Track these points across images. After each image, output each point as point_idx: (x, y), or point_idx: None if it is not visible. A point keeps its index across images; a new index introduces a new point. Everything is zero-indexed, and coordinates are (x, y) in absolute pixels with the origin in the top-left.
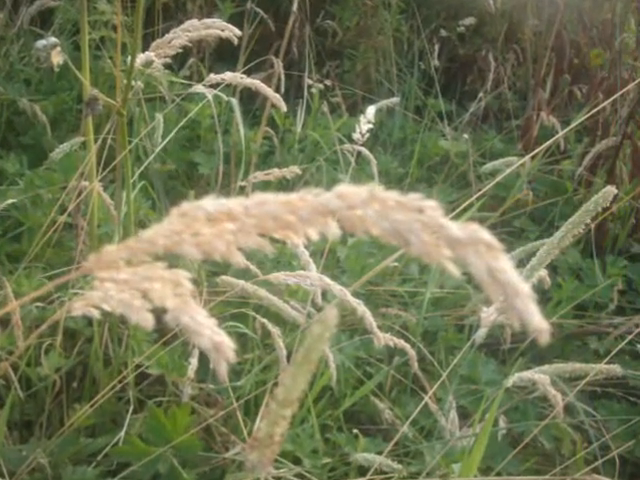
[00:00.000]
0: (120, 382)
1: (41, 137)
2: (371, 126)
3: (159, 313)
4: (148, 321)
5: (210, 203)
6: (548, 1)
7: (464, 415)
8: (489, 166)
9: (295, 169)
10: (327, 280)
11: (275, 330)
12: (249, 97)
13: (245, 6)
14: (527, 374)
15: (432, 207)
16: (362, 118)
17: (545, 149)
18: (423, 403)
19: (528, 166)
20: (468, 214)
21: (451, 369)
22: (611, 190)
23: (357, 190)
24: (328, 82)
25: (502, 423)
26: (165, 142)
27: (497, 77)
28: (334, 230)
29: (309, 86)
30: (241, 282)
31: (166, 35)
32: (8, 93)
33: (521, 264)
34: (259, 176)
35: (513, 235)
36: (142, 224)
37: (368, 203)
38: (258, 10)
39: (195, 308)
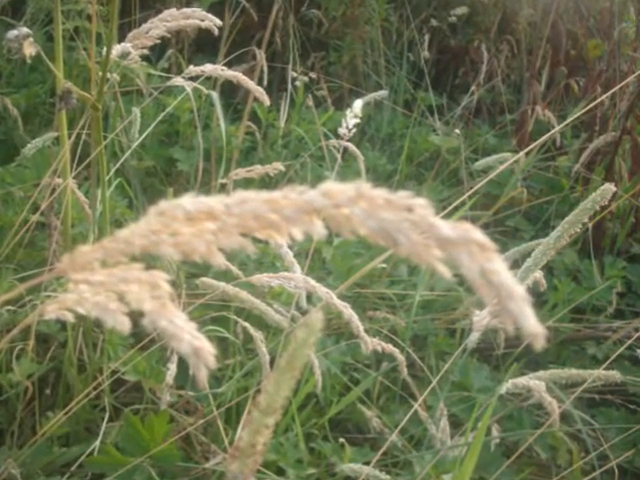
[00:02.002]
0: (95, 389)
1: (12, 132)
2: (358, 121)
3: (136, 316)
4: (124, 325)
5: (189, 201)
6: None
7: (455, 423)
8: (482, 162)
9: (278, 166)
10: (312, 282)
11: (257, 334)
12: (230, 90)
13: None
14: (522, 380)
15: (422, 205)
16: (349, 112)
17: (540, 145)
18: (412, 411)
19: (523, 163)
20: (460, 213)
21: (442, 375)
22: (610, 188)
23: (343, 188)
24: (313, 74)
25: (495, 432)
26: (142, 137)
27: (490, 69)
28: (319, 230)
29: (293, 79)
30: (222, 284)
31: (143, 25)
32: None
33: (515, 265)
34: (241, 173)
35: (507, 235)
36: (118, 223)
37: (355, 201)
38: None
39: (173, 311)
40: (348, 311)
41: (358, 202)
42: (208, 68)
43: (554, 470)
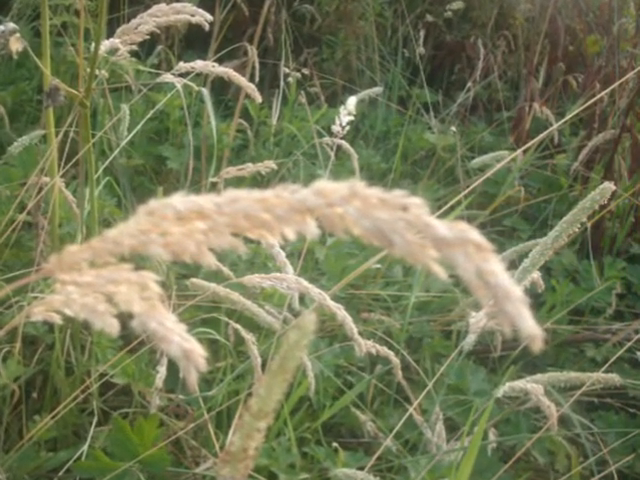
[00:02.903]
0: (83, 392)
1: None
2: (352, 118)
3: (125, 318)
4: (113, 327)
5: (179, 200)
6: None
7: (451, 427)
8: (478, 161)
9: (270, 164)
10: (305, 283)
11: (249, 336)
12: (221, 87)
13: None
14: (519, 384)
15: (417, 205)
16: (342, 109)
17: (538, 142)
18: (407, 415)
19: (520, 161)
20: (456, 212)
21: (437, 378)
22: (609, 186)
23: (337, 187)
24: (306, 71)
25: (492, 436)
26: (131, 135)
27: (487, 65)
28: (312, 229)
29: (285, 75)
30: (212, 285)
31: (132, 20)
32: None
33: (513, 266)
34: (232, 171)
35: (504, 235)
36: (107, 223)
37: (349, 200)
38: None
39: (163, 313)
40: (342, 313)
41: (352, 201)
42: (198, 64)
43: (552, 475)
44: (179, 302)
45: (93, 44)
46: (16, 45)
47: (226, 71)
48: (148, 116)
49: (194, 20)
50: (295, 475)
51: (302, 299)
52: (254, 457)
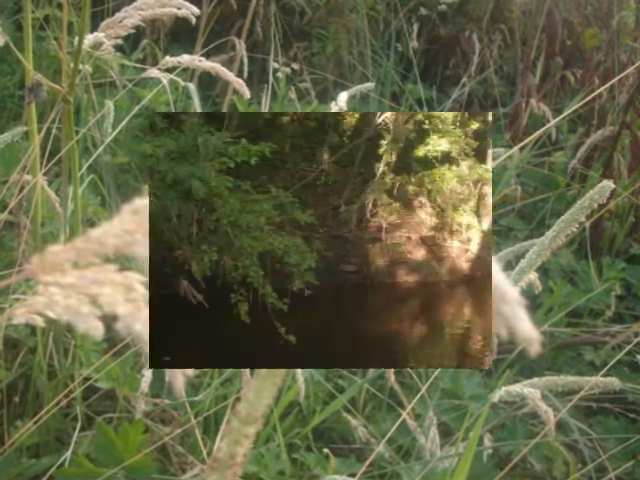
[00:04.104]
0: (66, 396)
1: None
2: None
3: (109, 320)
4: (97, 329)
5: None
6: None
7: (446, 433)
8: None
9: None
10: None
11: None
12: (208, 82)
13: None
14: (515, 388)
15: None
16: (333, 105)
17: (535, 140)
18: (400, 420)
19: (516, 158)
20: None
21: (431, 382)
22: (608, 185)
23: None
24: (296, 65)
25: (488, 442)
26: (116, 132)
27: (482, 60)
28: None
29: (275, 70)
30: None
31: (117, 14)
32: None
33: (509, 266)
34: None
35: (500, 234)
36: (91, 222)
37: None
38: None
39: (149, 315)
40: None
41: None
42: (185, 59)
43: None
44: None
45: (76, 38)
46: None
47: (213, 66)
48: (133, 112)
49: (180, 13)
50: None
51: None
52: (242, 464)
